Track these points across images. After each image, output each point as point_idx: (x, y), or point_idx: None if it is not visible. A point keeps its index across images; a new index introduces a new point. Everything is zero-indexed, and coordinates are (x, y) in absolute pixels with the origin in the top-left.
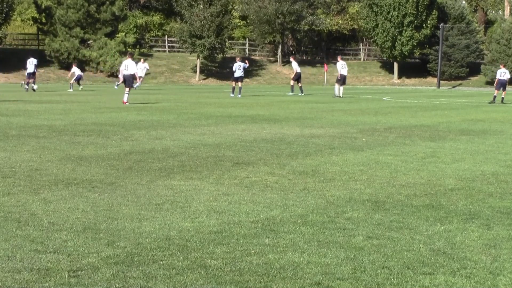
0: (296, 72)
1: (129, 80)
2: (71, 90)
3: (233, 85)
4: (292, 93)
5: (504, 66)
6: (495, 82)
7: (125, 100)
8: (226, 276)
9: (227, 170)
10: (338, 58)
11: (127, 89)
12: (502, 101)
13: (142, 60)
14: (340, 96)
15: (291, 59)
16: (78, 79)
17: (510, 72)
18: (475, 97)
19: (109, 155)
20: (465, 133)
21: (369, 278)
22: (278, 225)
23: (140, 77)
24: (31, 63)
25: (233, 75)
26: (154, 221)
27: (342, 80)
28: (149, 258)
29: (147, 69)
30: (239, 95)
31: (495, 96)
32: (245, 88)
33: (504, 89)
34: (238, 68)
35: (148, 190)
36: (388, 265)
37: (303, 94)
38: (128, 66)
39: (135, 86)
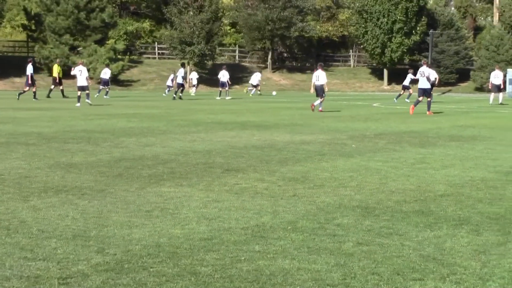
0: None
1: (320, 90)
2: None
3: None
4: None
5: None
6: None
7: (320, 108)
8: (216, 283)
9: (217, 176)
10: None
11: (319, 98)
12: None
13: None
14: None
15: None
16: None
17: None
18: (464, 103)
19: (99, 162)
20: (455, 139)
21: (359, 285)
22: (268, 232)
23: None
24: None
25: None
26: (144, 228)
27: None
28: (139, 265)
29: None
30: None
31: None
32: (236, 94)
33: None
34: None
35: (138, 197)
36: (378, 271)
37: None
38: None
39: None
